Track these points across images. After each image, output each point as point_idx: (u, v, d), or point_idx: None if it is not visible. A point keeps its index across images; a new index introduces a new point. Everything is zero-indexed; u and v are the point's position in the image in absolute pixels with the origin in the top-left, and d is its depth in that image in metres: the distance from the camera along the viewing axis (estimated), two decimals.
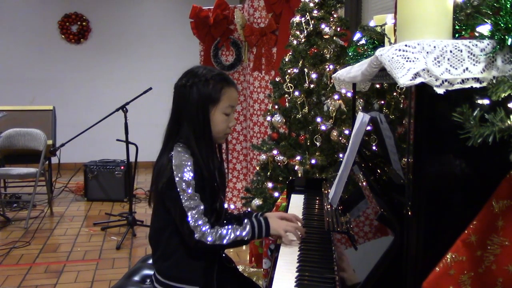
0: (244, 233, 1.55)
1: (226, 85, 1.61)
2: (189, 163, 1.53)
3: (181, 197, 1.51)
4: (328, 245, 1.49)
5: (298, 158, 2.72)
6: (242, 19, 4.14)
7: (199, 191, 1.54)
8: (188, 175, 1.52)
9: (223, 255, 1.75)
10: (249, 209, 2.95)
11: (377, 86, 1.71)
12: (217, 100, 1.58)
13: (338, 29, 2.81)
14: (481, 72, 0.86)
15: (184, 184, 1.52)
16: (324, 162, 2.63)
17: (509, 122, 0.75)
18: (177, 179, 1.52)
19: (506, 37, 0.83)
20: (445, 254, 0.87)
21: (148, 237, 1.71)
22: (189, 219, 1.51)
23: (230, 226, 1.55)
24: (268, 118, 2.96)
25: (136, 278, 1.84)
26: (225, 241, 1.53)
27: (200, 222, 1.51)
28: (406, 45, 0.87)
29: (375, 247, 1.17)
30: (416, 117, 0.92)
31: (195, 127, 1.57)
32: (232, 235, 1.54)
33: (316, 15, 2.79)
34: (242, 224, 1.57)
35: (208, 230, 1.51)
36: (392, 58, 0.86)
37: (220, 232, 1.53)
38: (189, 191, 1.52)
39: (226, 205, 1.73)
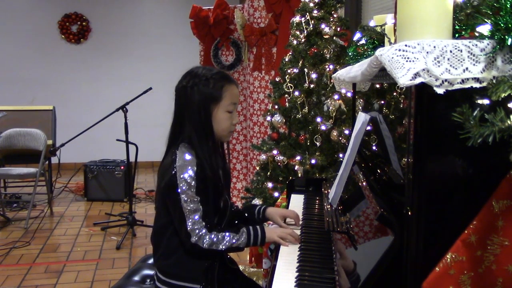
0: (239, 242, 1.58)
1: (227, 83, 1.62)
2: (192, 165, 1.54)
3: (181, 199, 1.52)
4: (328, 245, 1.48)
5: (298, 158, 2.72)
6: (242, 19, 4.14)
7: (200, 193, 1.54)
8: (190, 177, 1.53)
9: (228, 256, 1.75)
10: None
11: (377, 86, 1.71)
12: (219, 98, 1.59)
13: (338, 29, 2.81)
14: (481, 72, 0.86)
15: (185, 186, 1.52)
16: (324, 162, 2.63)
17: (509, 122, 0.75)
18: (178, 180, 1.52)
19: (506, 37, 0.83)
20: (445, 254, 0.87)
21: (150, 236, 1.72)
22: (187, 222, 1.53)
23: (227, 233, 1.57)
24: (268, 118, 2.95)
25: (136, 278, 1.84)
26: (220, 247, 1.55)
27: (197, 226, 1.53)
28: (406, 45, 0.86)
29: (375, 247, 1.17)
30: (416, 117, 0.91)
31: (197, 128, 1.58)
32: (228, 243, 1.56)
33: (316, 15, 2.79)
34: (239, 232, 1.59)
35: (205, 235, 1.53)
36: (392, 58, 0.86)
37: (216, 238, 1.54)
38: (190, 193, 1.52)
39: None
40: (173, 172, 1.53)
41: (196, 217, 1.53)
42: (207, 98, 1.58)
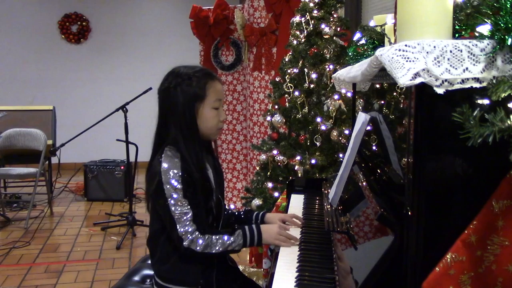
0: (234, 244, 1.54)
1: (210, 79, 1.60)
2: (177, 168, 1.51)
3: (169, 203, 1.50)
4: (328, 245, 1.48)
5: (298, 158, 2.72)
6: (242, 19, 4.14)
7: (189, 196, 1.52)
8: (176, 181, 1.50)
9: (228, 256, 1.74)
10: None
11: (377, 86, 1.71)
12: (203, 96, 1.57)
13: (338, 29, 2.81)
14: (481, 72, 0.86)
15: (172, 190, 1.50)
16: (324, 162, 2.63)
17: (509, 122, 0.75)
18: (165, 185, 1.50)
19: (506, 37, 0.83)
20: (445, 254, 0.87)
21: (146, 241, 1.70)
22: (178, 226, 1.50)
23: (221, 235, 1.53)
24: (268, 118, 2.95)
25: (136, 278, 1.84)
26: (214, 250, 1.51)
27: (188, 229, 1.50)
28: (406, 45, 0.86)
29: (375, 247, 1.17)
30: (416, 117, 0.91)
31: (182, 129, 1.55)
32: (222, 245, 1.52)
33: (316, 15, 2.79)
34: (234, 233, 1.55)
35: (197, 238, 1.50)
36: (392, 58, 0.86)
37: (210, 240, 1.51)
38: (177, 197, 1.50)
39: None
40: (159, 178, 1.51)
41: (186, 220, 1.50)
42: (191, 97, 1.55)
